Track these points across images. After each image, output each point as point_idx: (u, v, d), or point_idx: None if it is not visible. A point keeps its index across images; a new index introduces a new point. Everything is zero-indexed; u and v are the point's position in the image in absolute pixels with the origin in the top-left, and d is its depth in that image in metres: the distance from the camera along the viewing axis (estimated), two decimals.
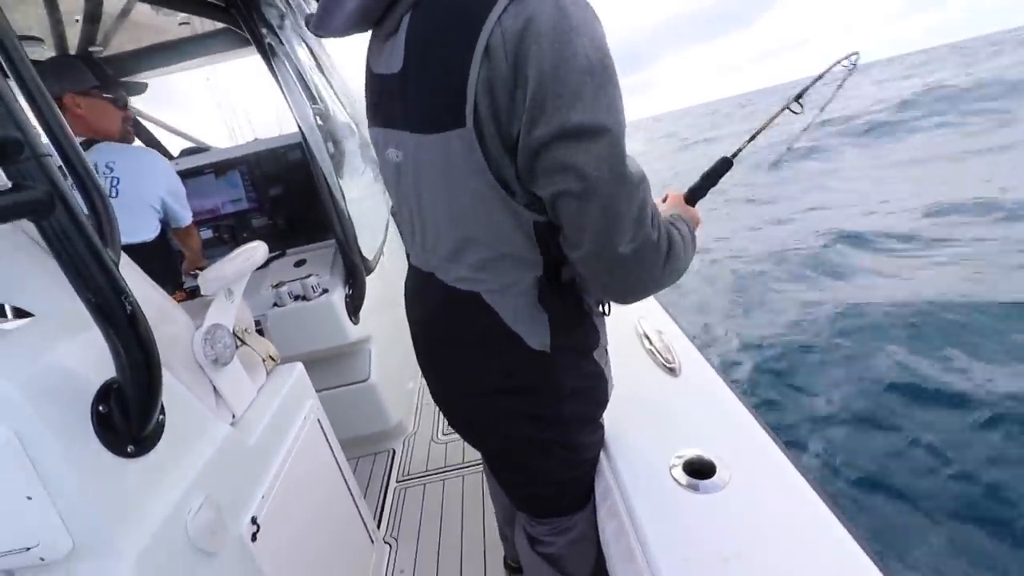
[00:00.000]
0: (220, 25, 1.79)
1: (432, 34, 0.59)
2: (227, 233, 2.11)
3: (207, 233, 2.09)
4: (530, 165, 0.59)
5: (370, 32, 0.72)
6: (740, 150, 1.05)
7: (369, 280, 1.93)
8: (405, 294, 0.90)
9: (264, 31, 1.60)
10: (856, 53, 1.11)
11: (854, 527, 0.66)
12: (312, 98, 1.76)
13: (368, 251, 1.91)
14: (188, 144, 2.43)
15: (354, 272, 1.83)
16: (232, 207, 2.10)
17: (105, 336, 0.64)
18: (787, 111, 1.08)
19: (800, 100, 1.07)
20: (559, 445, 0.81)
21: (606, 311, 0.82)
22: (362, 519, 1.46)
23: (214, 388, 1.02)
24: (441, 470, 1.92)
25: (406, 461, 2.02)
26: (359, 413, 1.97)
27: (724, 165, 1.00)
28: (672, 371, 1.01)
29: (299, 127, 1.67)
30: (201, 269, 1.85)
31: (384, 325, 2.09)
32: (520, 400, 0.77)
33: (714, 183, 0.99)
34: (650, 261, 0.63)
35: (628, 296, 0.68)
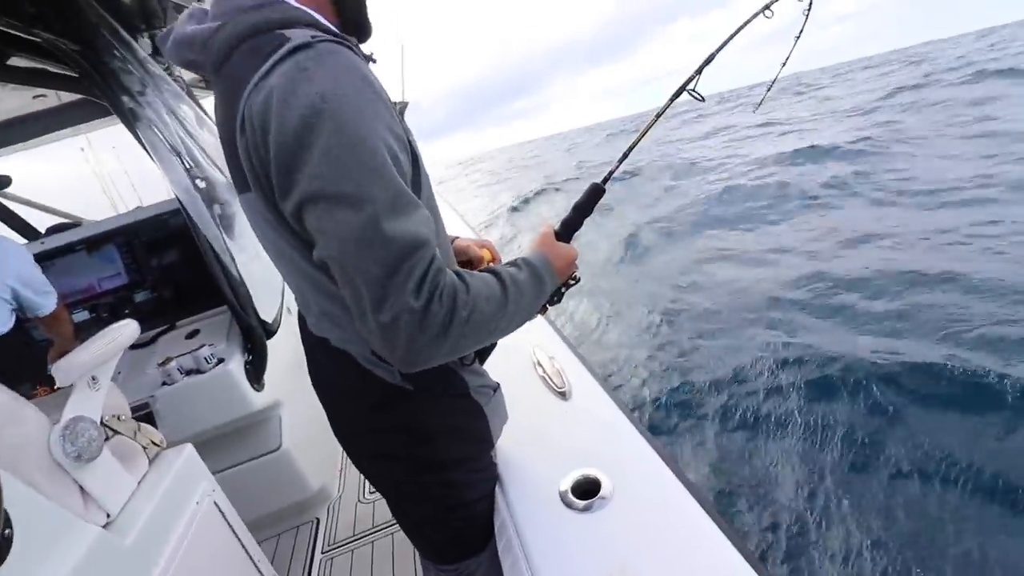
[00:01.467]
0: (79, 96, 1.71)
1: (219, 110, 0.64)
2: (107, 312, 1.94)
3: (83, 315, 1.92)
4: (302, 228, 0.60)
5: None
6: (610, 174, 0.96)
7: (273, 342, 1.84)
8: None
9: (125, 99, 1.54)
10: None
11: (733, 532, 0.71)
12: (189, 161, 1.69)
13: (267, 312, 1.83)
14: (57, 220, 2.25)
15: (252, 336, 1.75)
16: (109, 283, 1.95)
17: None
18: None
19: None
20: (438, 485, 0.81)
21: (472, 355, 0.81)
22: None
23: (80, 488, 0.93)
24: (369, 531, 1.83)
25: (332, 528, 1.91)
26: (273, 486, 1.85)
27: (595, 193, 0.92)
28: (563, 395, 1.04)
29: (174, 193, 1.60)
30: None
31: (296, 387, 2.00)
32: (391, 439, 0.79)
33: (588, 213, 0.92)
34: (414, 330, 0.55)
35: (405, 364, 0.59)
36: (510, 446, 0.92)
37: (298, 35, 0.57)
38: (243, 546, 1.27)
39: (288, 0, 0.63)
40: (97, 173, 2.83)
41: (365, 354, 0.74)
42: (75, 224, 2.14)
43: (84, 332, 1.84)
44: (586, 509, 0.76)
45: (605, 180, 0.96)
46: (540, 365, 1.17)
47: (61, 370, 0.94)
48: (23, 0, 1.31)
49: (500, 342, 0.77)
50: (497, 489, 0.88)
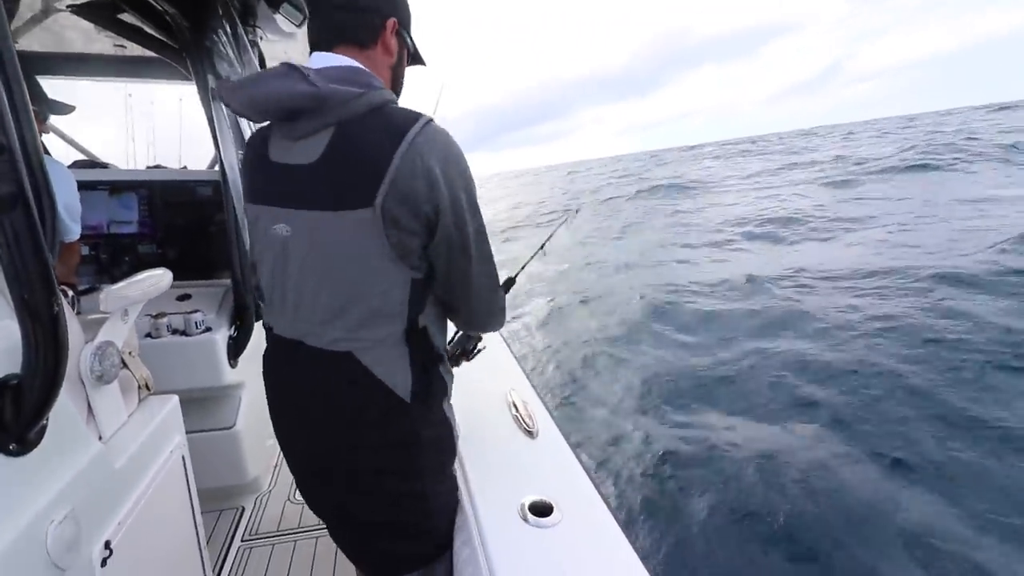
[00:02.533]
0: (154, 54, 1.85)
1: (357, 144, 0.76)
2: (106, 253, 1.99)
3: (84, 250, 1.96)
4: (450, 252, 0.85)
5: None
6: (523, 268, 1.36)
7: (255, 327, 1.93)
8: (264, 361, 1.00)
9: (210, 77, 1.70)
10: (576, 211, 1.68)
11: (645, 553, 0.88)
12: (240, 144, 1.84)
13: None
14: (81, 157, 2.31)
15: (244, 314, 1.84)
16: (119, 228, 2.01)
17: (24, 332, 0.68)
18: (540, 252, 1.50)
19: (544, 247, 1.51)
20: (414, 497, 0.90)
21: (452, 362, 1.03)
22: (203, 571, 1.38)
23: (88, 404, 1.01)
24: (292, 531, 1.85)
25: (255, 520, 1.92)
26: (217, 462, 1.87)
27: (508, 284, 1.18)
28: (531, 434, 1.20)
29: (221, 165, 1.73)
30: (69, 285, 1.75)
31: (258, 372, 2.05)
32: (386, 455, 0.87)
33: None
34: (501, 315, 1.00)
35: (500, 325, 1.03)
36: (481, 468, 1.07)
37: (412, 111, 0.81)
38: (192, 506, 1.32)
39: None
40: (130, 126, 2.89)
41: (389, 358, 0.84)
42: (101, 166, 2.21)
43: (79, 266, 1.89)
44: (539, 525, 0.91)
45: (516, 275, 1.27)
46: (515, 406, 1.33)
47: (110, 298, 1.04)
48: None
49: (483, 382, 1.16)
50: (465, 500, 1.01)
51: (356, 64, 0.84)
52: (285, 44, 2.15)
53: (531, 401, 1.39)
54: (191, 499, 1.32)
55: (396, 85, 0.95)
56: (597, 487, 1.04)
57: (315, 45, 0.88)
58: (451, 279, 0.87)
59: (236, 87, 0.82)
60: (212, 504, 1.96)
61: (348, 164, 0.76)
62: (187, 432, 1.82)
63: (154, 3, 1.53)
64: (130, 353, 1.20)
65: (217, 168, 1.81)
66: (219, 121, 1.71)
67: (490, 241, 0.90)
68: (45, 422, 0.78)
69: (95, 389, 1.01)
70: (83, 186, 1.96)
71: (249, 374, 1.97)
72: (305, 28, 1.94)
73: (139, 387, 1.23)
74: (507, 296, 1.08)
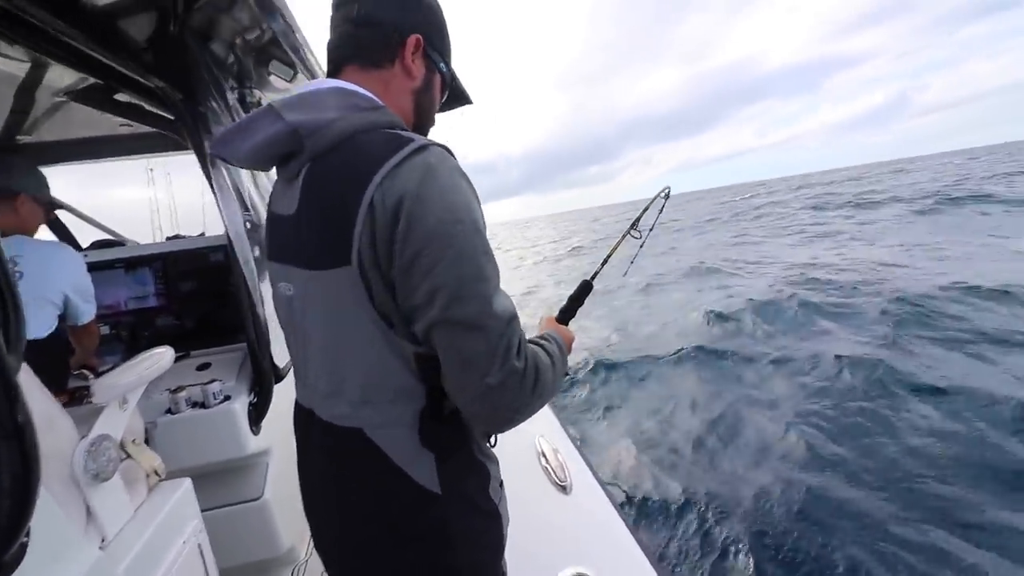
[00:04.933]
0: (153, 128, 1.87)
1: (325, 186, 0.66)
2: (126, 331, 2.00)
3: (104, 330, 1.97)
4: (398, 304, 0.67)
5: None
6: (596, 273, 1.24)
7: (276, 389, 1.87)
8: (295, 430, 0.91)
9: (206, 142, 1.70)
10: (668, 187, 1.41)
11: None
12: (244, 206, 1.82)
13: (280, 359, 1.88)
14: (102, 235, 2.36)
15: (263, 378, 1.78)
16: (136, 304, 2.02)
17: None
18: (629, 236, 1.32)
19: (636, 227, 1.32)
20: None
21: (492, 442, 0.82)
22: None
23: (87, 506, 0.94)
24: None
25: None
26: (246, 537, 1.79)
27: (586, 288, 1.16)
28: (564, 488, 1.07)
29: (226, 229, 1.71)
30: (90, 368, 1.73)
31: (286, 436, 1.99)
32: (408, 550, 0.72)
33: (580, 303, 1.13)
34: (517, 389, 0.66)
35: (505, 422, 0.69)
36: (510, 534, 0.95)
37: (411, 135, 0.67)
38: None
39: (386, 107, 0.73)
40: (154, 197, 2.98)
41: (403, 440, 0.71)
42: (119, 243, 2.25)
43: (101, 346, 1.89)
44: None
45: (593, 277, 1.21)
46: (544, 456, 1.21)
47: (103, 388, 0.98)
48: (147, 50, 1.50)
49: (506, 434, 0.82)
50: None
51: (344, 85, 0.72)
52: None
53: (563, 448, 1.27)
54: None
55: (422, 116, 0.82)
56: (647, 551, 0.90)
57: (328, 71, 0.79)
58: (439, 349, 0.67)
59: (223, 140, 0.73)
60: None
61: (317, 213, 0.67)
62: (213, 508, 1.78)
63: (142, 80, 1.54)
64: (134, 441, 1.14)
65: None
66: (220, 185, 1.69)
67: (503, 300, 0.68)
68: (23, 541, 0.71)
69: (92, 488, 0.94)
70: (99, 266, 1.98)
71: (275, 438, 1.91)
72: (300, 79, 1.93)
73: (147, 476, 1.16)
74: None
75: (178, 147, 2.15)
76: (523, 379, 0.66)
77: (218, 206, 1.71)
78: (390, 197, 0.62)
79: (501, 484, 0.83)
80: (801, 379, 4.83)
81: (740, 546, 2.81)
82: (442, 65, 0.82)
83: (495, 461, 0.83)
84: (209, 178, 1.71)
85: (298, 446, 0.88)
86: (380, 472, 0.71)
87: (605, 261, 1.30)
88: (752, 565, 2.66)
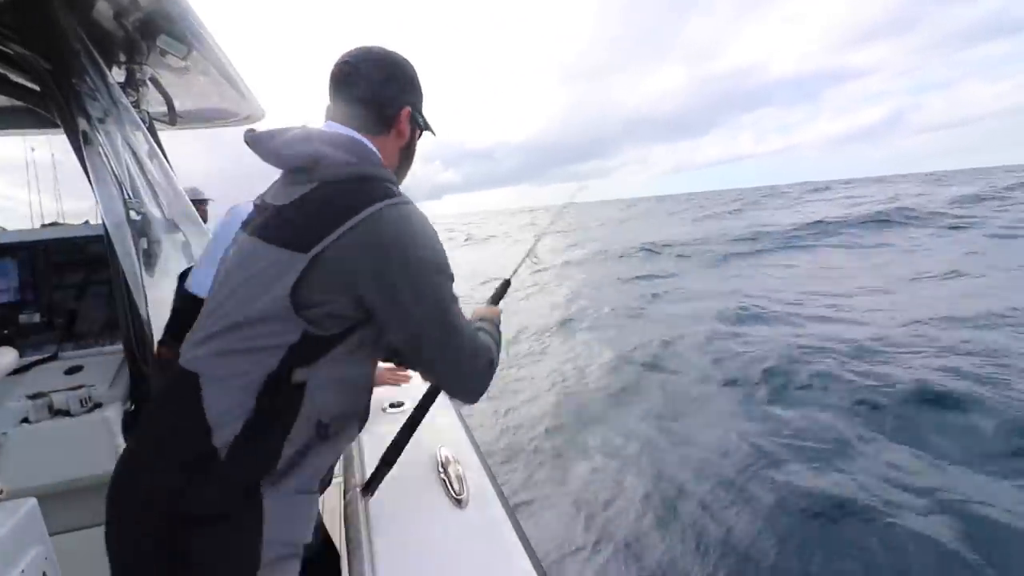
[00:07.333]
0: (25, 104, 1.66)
1: (326, 199, 0.80)
2: None
3: None
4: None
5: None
6: (515, 271, 1.44)
7: None
8: None
9: (81, 121, 1.52)
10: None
11: None
12: (126, 194, 1.65)
13: None
14: None
15: (142, 383, 1.62)
16: None
17: None
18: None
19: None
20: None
21: (327, 434, 0.82)
22: None
23: None
24: None
25: None
26: None
27: (505, 285, 1.39)
28: (459, 502, 1.04)
29: (102, 219, 1.54)
30: None
31: None
32: (168, 505, 0.73)
33: (500, 297, 1.33)
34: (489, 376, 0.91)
35: (478, 396, 0.91)
36: (393, 550, 0.90)
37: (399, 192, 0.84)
38: None
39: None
40: (33, 180, 2.64)
41: (231, 399, 0.75)
42: None
43: None
44: None
45: (512, 274, 1.42)
46: (443, 466, 1.17)
47: None
48: (5, 12, 1.32)
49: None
50: None
51: (363, 140, 0.89)
52: (181, 78, 1.98)
53: (465, 458, 1.23)
54: None
55: (405, 161, 1.02)
56: (539, 569, 0.88)
57: (331, 116, 0.93)
58: (415, 355, 0.85)
59: (259, 139, 0.89)
60: None
61: (308, 213, 0.80)
62: (84, 527, 1.59)
63: (6, 48, 1.35)
64: None
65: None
66: (95, 169, 1.52)
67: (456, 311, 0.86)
68: None
69: None
70: None
71: None
72: (197, 59, 1.78)
73: None
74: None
75: (41, 125, 1.91)
76: (491, 368, 0.94)
77: (93, 191, 1.54)
78: (369, 231, 0.76)
79: (309, 480, 0.83)
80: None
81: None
82: (421, 120, 1.01)
83: (320, 454, 0.82)
84: (82, 160, 1.53)
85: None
86: (186, 415, 0.76)
87: (522, 262, 1.50)
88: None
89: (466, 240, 35.38)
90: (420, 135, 1.05)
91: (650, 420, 4.49)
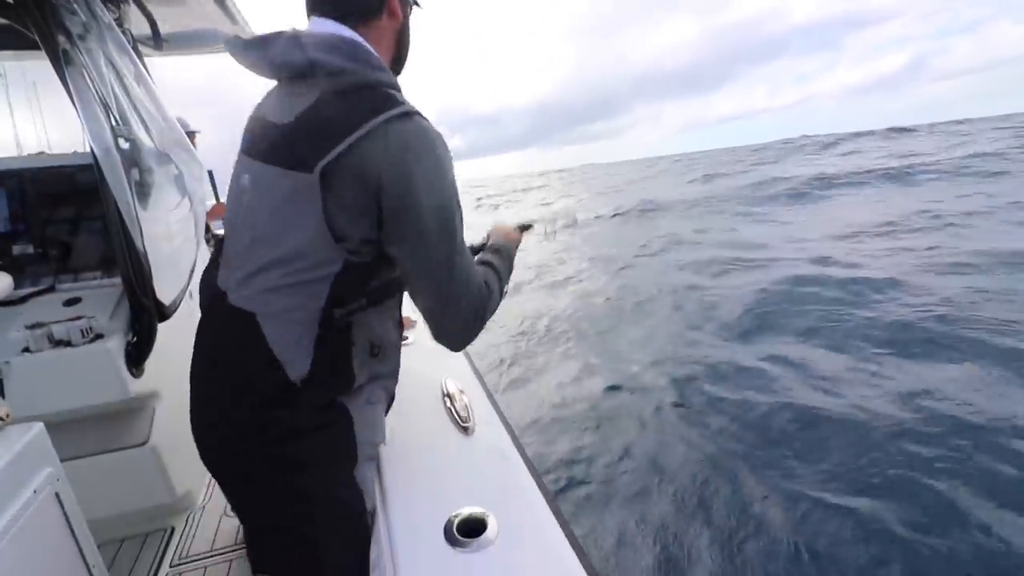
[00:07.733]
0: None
1: (334, 109, 0.76)
2: None
3: None
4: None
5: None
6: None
7: (165, 327, 1.69)
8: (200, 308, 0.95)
9: (61, 38, 1.42)
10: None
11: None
12: (117, 117, 1.57)
13: (166, 294, 1.69)
14: None
15: (142, 315, 1.60)
16: None
17: None
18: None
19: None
20: (294, 495, 0.82)
21: (378, 354, 0.89)
22: None
23: None
24: (228, 548, 1.68)
25: (187, 540, 1.74)
26: (129, 484, 1.66)
27: (530, 226, 1.26)
28: (466, 430, 1.05)
29: (90, 146, 1.47)
30: None
31: (177, 379, 1.83)
32: (270, 438, 0.80)
33: (525, 230, 1.22)
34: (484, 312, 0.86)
35: (472, 336, 0.86)
36: (403, 474, 0.91)
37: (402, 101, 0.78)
38: (79, 549, 1.12)
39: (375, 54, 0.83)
40: (10, 105, 2.52)
41: (291, 333, 0.78)
42: None
43: None
44: (469, 547, 0.76)
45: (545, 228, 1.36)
46: (449, 397, 1.17)
47: None
48: None
49: (412, 372, 0.96)
50: (380, 518, 0.86)
51: (357, 39, 0.83)
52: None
53: (471, 389, 1.24)
54: (76, 540, 1.12)
55: (402, 47, 0.95)
56: (544, 490, 0.89)
57: (317, 9, 0.85)
58: (413, 277, 0.82)
59: (244, 46, 0.85)
60: (136, 527, 1.76)
61: (312, 129, 0.77)
62: (92, 454, 1.62)
63: None
64: None
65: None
66: (79, 91, 1.43)
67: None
68: None
69: None
70: None
71: (164, 381, 1.75)
72: None
73: None
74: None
75: (16, 45, 1.80)
76: (487, 303, 0.88)
77: (78, 115, 1.46)
78: (381, 137, 0.73)
79: (368, 399, 0.90)
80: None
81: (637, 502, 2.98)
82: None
83: (374, 377, 0.90)
84: (66, 83, 1.44)
85: (199, 332, 0.92)
86: (256, 359, 0.78)
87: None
88: (642, 514, 2.83)
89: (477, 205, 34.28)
90: (411, 11, 0.97)
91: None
